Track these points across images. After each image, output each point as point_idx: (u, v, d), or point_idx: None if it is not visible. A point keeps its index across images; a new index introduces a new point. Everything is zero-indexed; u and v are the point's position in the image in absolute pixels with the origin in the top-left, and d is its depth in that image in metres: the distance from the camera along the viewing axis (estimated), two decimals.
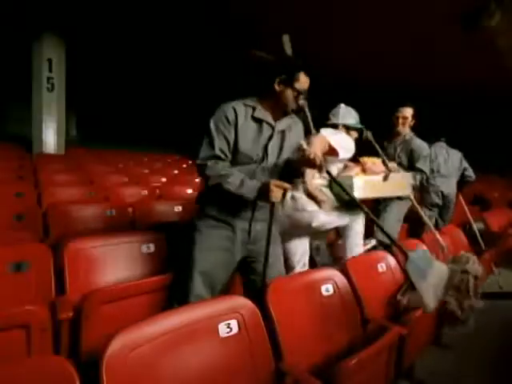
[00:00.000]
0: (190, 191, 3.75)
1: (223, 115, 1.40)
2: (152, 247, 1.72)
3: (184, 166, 6.29)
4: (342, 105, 2.29)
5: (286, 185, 1.31)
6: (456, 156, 3.60)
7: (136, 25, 6.38)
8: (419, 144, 2.67)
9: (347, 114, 2.24)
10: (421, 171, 2.59)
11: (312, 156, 1.35)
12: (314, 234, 2.18)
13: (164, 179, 4.43)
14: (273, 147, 1.46)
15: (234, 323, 1.09)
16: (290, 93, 1.42)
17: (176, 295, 1.47)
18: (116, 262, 1.62)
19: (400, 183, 2.32)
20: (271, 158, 1.46)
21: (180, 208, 2.77)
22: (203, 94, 9.99)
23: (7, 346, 1.12)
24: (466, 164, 3.65)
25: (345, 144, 1.97)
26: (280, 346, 1.19)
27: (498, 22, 4.30)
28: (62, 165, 4.39)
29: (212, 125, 1.40)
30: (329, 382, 1.05)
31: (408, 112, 2.70)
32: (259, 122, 1.44)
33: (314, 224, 1.96)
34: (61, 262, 1.46)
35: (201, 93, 9.94)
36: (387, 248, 2.08)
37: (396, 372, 1.43)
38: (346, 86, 7.36)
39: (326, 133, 2.00)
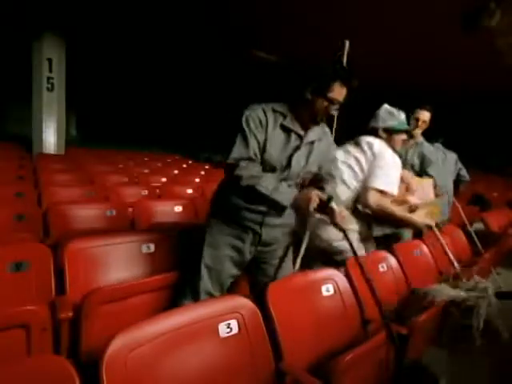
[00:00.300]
0: (190, 191, 3.74)
1: (255, 116, 1.35)
2: (152, 247, 1.72)
3: (184, 165, 6.29)
4: (385, 105, 2.10)
5: (324, 196, 1.31)
6: (452, 157, 3.64)
7: (136, 25, 6.38)
8: (431, 149, 2.67)
9: (387, 116, 2.04)
10: (432, 177, 2.58)
11: (338, 220, 1.38)
12: (325, 251, 2.00)
13: (164, 179, 4.43)
14: (298, 158, 1.41)
15: (234, 323, 1.09)
16: (321, 102, 1.35)
17: (186, 293, 1.47)
18: (116, 262, 1.61)
19: (432, 212, 2.05)
20: (294, 169, 1.41)
21: (180, 208, 2.77)
22: (203, 94, 10.00)
23: (7, 345, 1.12)
24: (460, 165, 3.69)
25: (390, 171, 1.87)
26: (280, 346, 1.19)
27: (497, 22, 4.30)
28: (62, 165, 4.39)
29: (245, 124, 1.34)
30: (325, 379, 1.05)
31: (427, 116, 2.61)
32: (288, 131, 1.39)
33: (324, 237, 1.90)
34: (61, 262, 1.46)
35: (200, 93, 9.94)
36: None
37: (396, 371, 1.43)
38: None
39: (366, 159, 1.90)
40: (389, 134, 2.02)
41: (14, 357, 1.13)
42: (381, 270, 1.86)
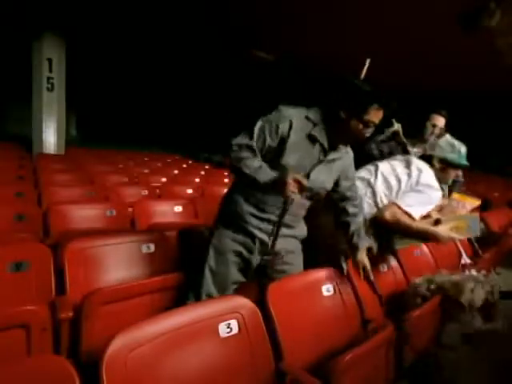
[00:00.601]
0: (190, 191, 3.74)
1: (275, 123, 1.30)
2: (152, 247, 1.72)
3: (184, 165, 6.29)
4: (447, 135, 1.96)
5: (305, 182, 1.20)
6: None
7: (136, 25, 6.38)
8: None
9: (448, 147, 1.89)
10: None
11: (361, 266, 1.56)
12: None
13: (164, 179, 4.43)
14: (319, 171, 1.38)
15: (234, 323, 1.09)
16: (356, 124, 1.30)
17: (189, 298, 1.46)
18: (116, 262, 1.61)
19: (457, 226, 1.85)
20: (312, 183, 1.36)
21: (180, 208, 2.77)
22: (203, 94, 9.99)
23: (7, 345, 1.12)
24: None
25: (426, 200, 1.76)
26: (280, 346, 1.19)
27: (497, 22, 4.29)
28: (62, 165, 4.39)
29: (259, 123, 1.32)
30: (325, 379, 1.05)
31: (443, 122, 2.52)
32: (314, 140, 1.34)
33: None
34: (61, 262, 1.46)
35: (201, 93, 9.94)
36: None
37: (396, 371, 1.43)
38: None
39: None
40: (445, 166, 1.92)
41: (14, 357, 1.13)
42: (381, 270, 1.86)
